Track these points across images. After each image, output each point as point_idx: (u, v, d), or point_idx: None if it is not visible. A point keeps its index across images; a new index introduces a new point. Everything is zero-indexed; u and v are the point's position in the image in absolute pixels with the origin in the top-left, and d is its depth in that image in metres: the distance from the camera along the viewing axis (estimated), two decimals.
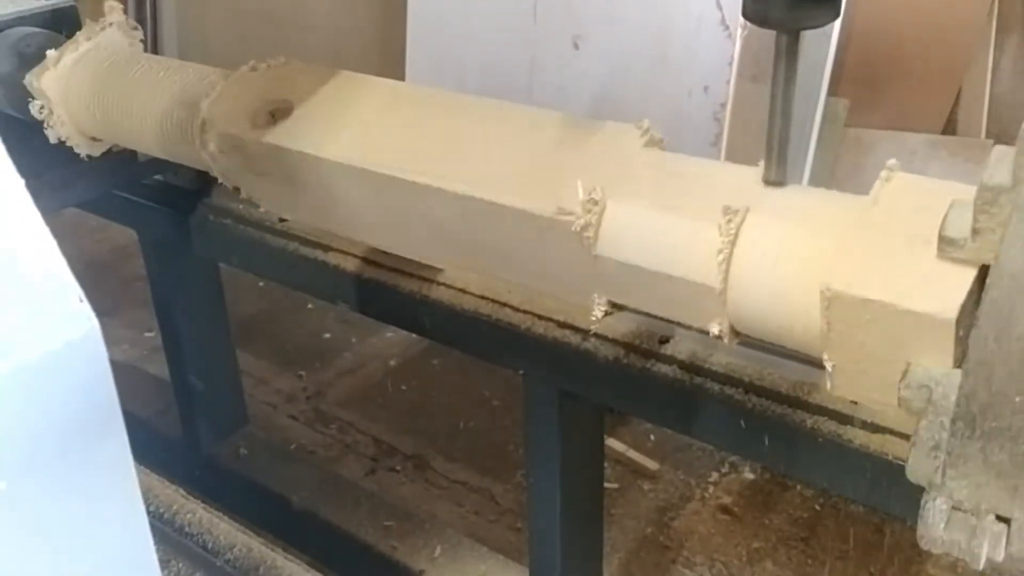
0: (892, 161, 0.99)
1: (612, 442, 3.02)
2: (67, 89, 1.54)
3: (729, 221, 0.91)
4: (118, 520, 0.64)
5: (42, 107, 1.56)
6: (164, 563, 1.19)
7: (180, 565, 1.18)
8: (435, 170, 1.11)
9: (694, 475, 3.00)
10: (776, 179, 0.98)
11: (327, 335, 3.73)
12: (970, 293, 0.79)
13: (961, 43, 3.46)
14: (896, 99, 3.52)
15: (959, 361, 0.79)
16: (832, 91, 3.32)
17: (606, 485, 2.50)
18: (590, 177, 1.02)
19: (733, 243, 0.92)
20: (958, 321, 0.79)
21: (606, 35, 3.29)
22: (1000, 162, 0.77)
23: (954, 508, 0.73)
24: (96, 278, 3.97)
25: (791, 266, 0.90)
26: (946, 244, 0.79)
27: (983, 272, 0.79)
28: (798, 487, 2.92)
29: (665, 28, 3.20)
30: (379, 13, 4.06)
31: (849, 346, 0.87)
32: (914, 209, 0.86)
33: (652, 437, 3.15)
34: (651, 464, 3.02)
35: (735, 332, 1.02)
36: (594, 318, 1.11)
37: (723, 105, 3.17)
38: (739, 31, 3.07)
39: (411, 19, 3.66)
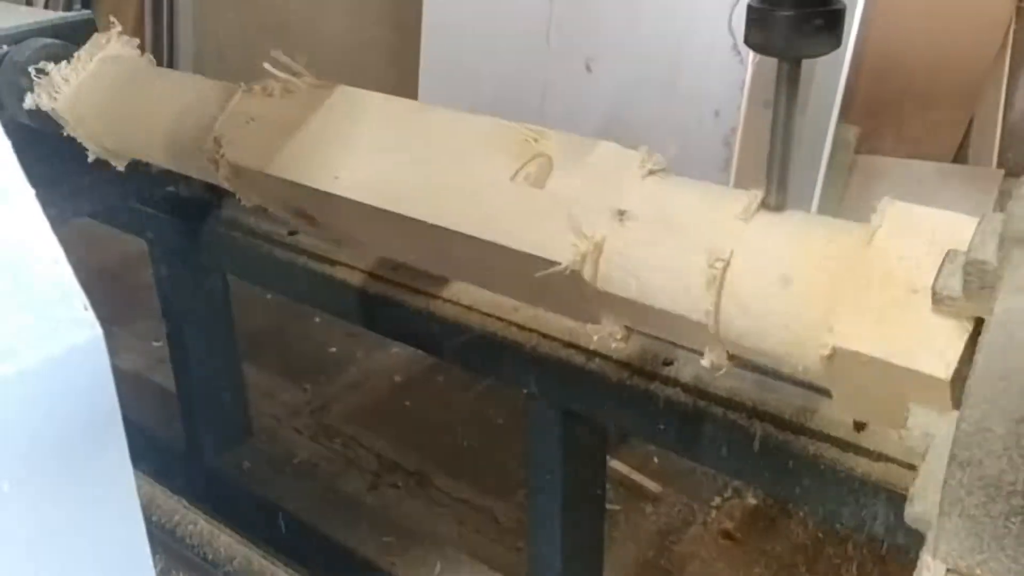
0: (886, 198, 0.98)
1: (615, 463, 3.01)
2: (79, 100, 1.55)
3: (715, 265, 0.92)
4: (115, 528, 0.64)
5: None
6: (165, 573, 1.19)
7: None
8: (438, 209, 1.10)
9: (697, 499, 2.99)
10: (777, 204, 0.98)
11: (333, 349, 3.74)
12: (967, 345, 0.80)
13: (973, 72, 3.46)
14: (907, 127, 3.53)
15: (958, 403, 0.79)
16: (843, 118, 3.33)
17: (607, 507, 2.50)
18: (587, 212, 1.02)
19: (719, 289, 0.92)
20: (953, 377, 0.79)
21: (618, 58, 3.31)
22: (988, 235, 0.76)
23: (949, 571, 0.73)
24: (105, 287, 3.97)
25: (783, 303, 0.91)
26: (938, 301, 0.79)
27: (980, 323, 0.79)
28: (801, 513, 2.90)
29: (677, 53, 3.22)
30: (393, 33, 4.09)
31: (850, 387, 0.88)
32: (911, 247, 0.86)
33: (655, 460, 3.14)
34: (653, 487, 3.01)
35: (731, 356, 1.02)
36: (604, 339, 1.11)
37: (734, 130, 3.18)
38: (751, 57, 3.08)
39: (425, 39, 3.68)
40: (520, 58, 3.49)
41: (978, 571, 0.70)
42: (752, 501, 2.98)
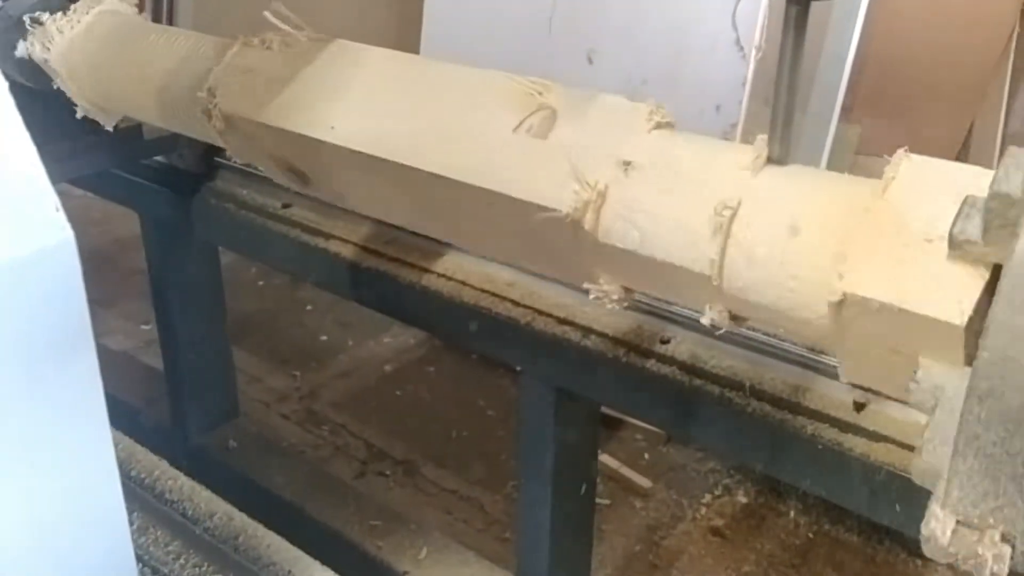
0: (902, 150, 0.97)
1: (605, 458, 2.98)
2: (72, 52, 1.52)
3: (722, 213, 0.89)
4: (82, 437, 0.61)
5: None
6: (142, 530, 1.16)
7: (158, 533, 1.15)
8: (437, 157, 1.07)
9: (687, 495, 2.96)
10: (779, 156, 0.95)
11: (324, 337, 3.71)
12: (982, 294, 0.77)
13: (976, 75, 3.45)
14: (908, 129, 3.51)
15: (970, 359, 0.76)
16: (844, 117, 3.31)
17: (597, 501, 2.47)
18: (592, 162, 0.99)
19: (725, 238, 0.89)
20: (968, 326, 0.76)
21: (621, 51, 3.28)
22: (1013, 168, 0.74)
23: (959, 523, 0.70)
24: (96, 270, 3.94)
25: (791, 252, 0.87)
26: (955, 246, 0.77)
27: (996, 270, 0.76)
28: (792, 513, 2.88)
29: (680, 46, 3.19)
30: (394, 24, 4.07)
31: (858, 342, 0.84)
32: (926, 198, 0.83)
33: (646, 455, 3.11)
34: (644, 482, 2.98)
35: (734, 317, 0.99)
36: (599, 297, 1.07)
37: (734, 125, 3.15)
38: (753, 52, 3.06)
39: (426, 31, 3.66)
40: (521, 49, 3.46)
41: (991, 520, 0.66)
42: (743, 499, 2.95)
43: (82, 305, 0.61)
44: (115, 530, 0.68)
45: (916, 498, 1.30)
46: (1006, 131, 3.50)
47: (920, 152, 0.98)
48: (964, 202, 0.77)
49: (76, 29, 1.49)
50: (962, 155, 3.60)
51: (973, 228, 0.75)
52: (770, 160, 0.95)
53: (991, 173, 0.83)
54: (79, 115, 1.66)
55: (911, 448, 1.34)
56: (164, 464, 1.27)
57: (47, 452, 0.58)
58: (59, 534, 0.62)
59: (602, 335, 1.62)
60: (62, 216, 0.58)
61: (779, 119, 0.94)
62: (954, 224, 0.77)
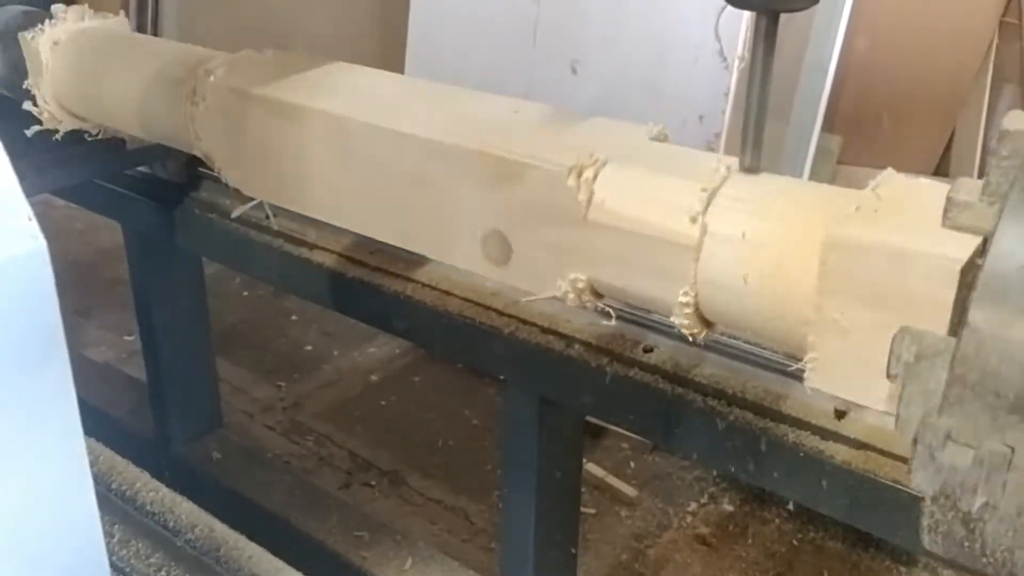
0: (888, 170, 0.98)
1: (591, 467, 2.99)
2: (56, 56, 1.52)
3: (708, 185, 0.90)
4: (56, 447, 0.60)
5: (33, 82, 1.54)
6: (123, 543, 1.15)
7: (139, 545, 1.14)
8: (425, 125, 1.10)
9: (672, 504, 2.97)
10: (751, 165, 0.96)
11: (309, 347, 3.70)
12: (971, 259, 0.77)
13: (955, 86, 3.48)
14: (888, 139, 3.53)
15: (955, 328, 0.76)
16: (826, 127, 3.33)
17: (583, 510, 2.46)
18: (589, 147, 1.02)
19: (712, 197, 0.90)
20: (962, 272, 0.76)
21: (604, 61, 3.30)
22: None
23: (950, 439, 0.68)
24: (79, 280, 3.94)
25: (774, 223, 0.88)
26: (953, 207, 0.77)
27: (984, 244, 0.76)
28: (776, 520, 2.88)
29: (663, 56, 3.21)
30: (379, 34, 4.08)
31: (836, 319, 0.84)
32: (913, 196, 0.84)
33: (632, 464, 3.11)
34: (629, 491, 2.99)
35: (704, 321, 0.99)
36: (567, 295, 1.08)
37: (717, 135, 3.16)
38: (736, 63, 3.08)
39: (411, 39, 3.67)
40: (506, 59, 3.47)
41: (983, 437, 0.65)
42: (728, 507, 2.96)
43: (55, 314, 0.60)
44: (89, 541, 0.68)
45: (896, 506, 1.31)
46: (986, 141, 3.53)
47: (901, 162, 0.99)
48: (958, 179, 0.78)
49: (60, 41, 1.49)
50: (942, 165, 3.63)
51: (970, 190, 0.75)
52: (743, 169, 0.96)
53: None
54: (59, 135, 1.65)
55: (891, 455, 1.35)
56: (145, 476, 1.26)
57: (17, 461, 0.58)
58: (30, 545, 0.62)
59: (586, 344, 1.62)
60: (35, 225, 0.58)
61: (750, 129, 0.95)
62: (952, 188, 0.76)
